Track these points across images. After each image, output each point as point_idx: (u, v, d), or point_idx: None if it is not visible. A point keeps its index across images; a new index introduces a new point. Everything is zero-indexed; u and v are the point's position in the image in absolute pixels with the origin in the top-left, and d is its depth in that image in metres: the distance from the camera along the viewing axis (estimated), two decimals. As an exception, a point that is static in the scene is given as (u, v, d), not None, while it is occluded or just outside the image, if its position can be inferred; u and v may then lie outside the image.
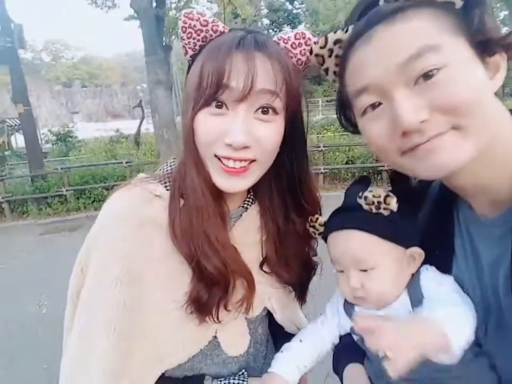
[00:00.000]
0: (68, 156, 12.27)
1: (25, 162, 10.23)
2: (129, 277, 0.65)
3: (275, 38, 0.70)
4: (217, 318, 0.70)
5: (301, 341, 0.78)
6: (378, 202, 0.64)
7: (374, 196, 0.63)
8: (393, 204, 0.63)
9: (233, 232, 0.76)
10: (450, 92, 0.48)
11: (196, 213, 0.68)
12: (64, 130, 14.41)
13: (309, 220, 0.79)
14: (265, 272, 0.80)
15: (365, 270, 0.66)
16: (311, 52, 0.68)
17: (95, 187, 8.63)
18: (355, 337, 0.73)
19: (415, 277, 0.68)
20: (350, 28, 0.58)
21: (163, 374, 0.71)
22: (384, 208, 0.64)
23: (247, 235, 0.79)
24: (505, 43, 0.51)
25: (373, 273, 0.66)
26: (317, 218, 0.78)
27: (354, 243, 0.66)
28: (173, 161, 0.79)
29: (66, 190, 8.40)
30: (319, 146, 8.66)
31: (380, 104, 0.53)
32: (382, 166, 8.21)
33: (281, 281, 0.82)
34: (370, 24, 0.52)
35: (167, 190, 0.72)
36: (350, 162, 9.08)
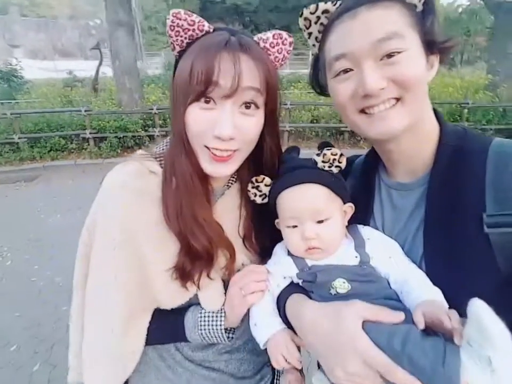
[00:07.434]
0: (14, 99, 11.06)
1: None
2: (127, 238, 0.75)
3: (255, 38, 0.76)
4: (198, 286, 0.79)
5: (255, 324, 0.79)
6: (334, 159, 0.73)
7: (332, 154, 0.73)
8: (344, 162, 0.74)
9: (216, 207, 0.84)
10: (404, 69, 0.63)
11: (186, 196, 0.76)
12: (7, 68, 12.80)
13: (253, 180, 0.80)
14: (244, 245, 0.88)
15: (320, 221, 0.73)
16: (290, 44, 0.79)
17: (51, 135, 8.06)
18: (300, 282, 0.77)
19: (353, 228, 0.78)
20: (339, 2, 0.68)
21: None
22: (336, 166, 0.74)
23: (228, 211, 0.86)
24: (442, 47, 0.68)
25: (327, 223, 0.73)
26: (263, 178, 0.79)
27: (314, 195, 0.73)
28: (168, 141, 0.84)
29: (19, 138, 7.79)
30: (286, 104, 8.69)
31: (350, 70, 0.67)
32: (344, 127, 8.53)
33: (254, 249, 0.89)
34: (357, 3, 0.64)
35: (162, 168, 0.80)
36: (315, 121, 9.25)
